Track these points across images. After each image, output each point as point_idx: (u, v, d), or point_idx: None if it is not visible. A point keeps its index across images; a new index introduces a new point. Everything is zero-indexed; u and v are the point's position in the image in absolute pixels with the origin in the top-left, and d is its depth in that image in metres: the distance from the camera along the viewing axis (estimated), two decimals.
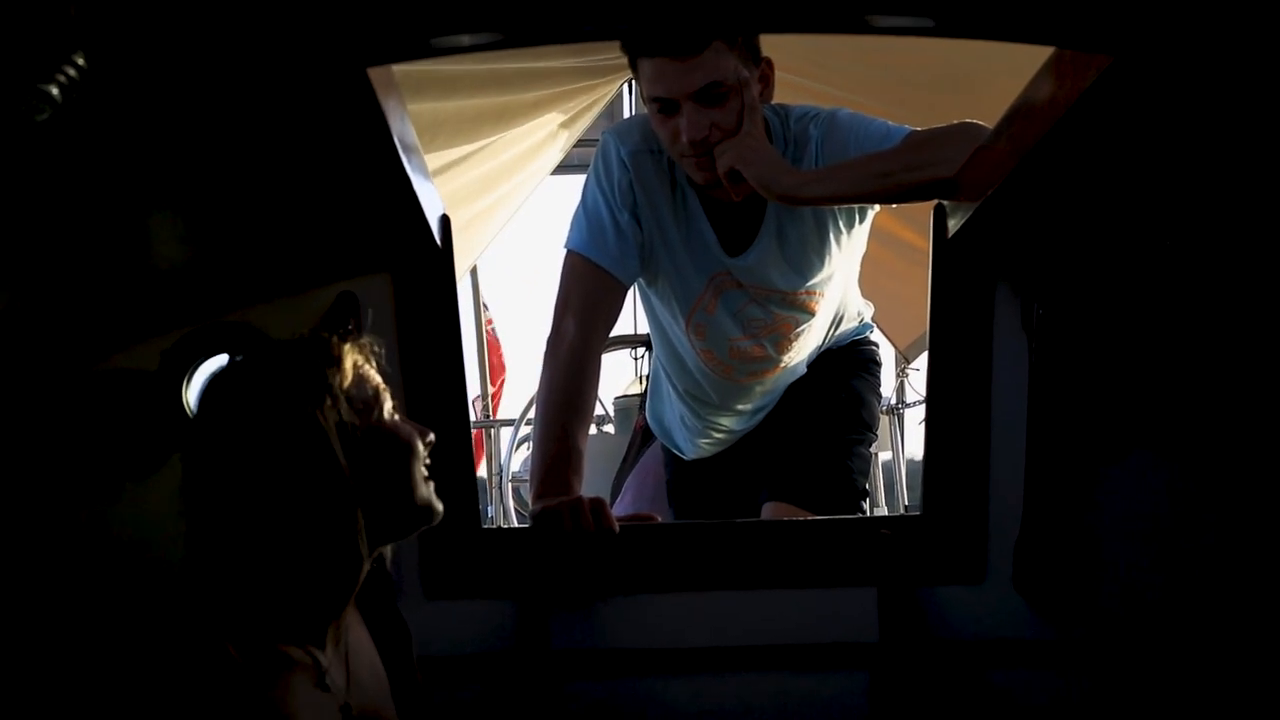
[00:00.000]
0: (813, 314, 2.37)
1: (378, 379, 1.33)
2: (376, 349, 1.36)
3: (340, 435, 1.23)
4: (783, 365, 2.47)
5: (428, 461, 1.35)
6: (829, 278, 2.31)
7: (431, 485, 1.35)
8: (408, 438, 1.32)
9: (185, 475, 1.24)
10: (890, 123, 2.06)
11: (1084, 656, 1.83)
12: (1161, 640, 1.76)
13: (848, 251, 2.31)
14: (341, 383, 1.27)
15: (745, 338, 2.37)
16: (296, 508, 1.21)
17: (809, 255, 2.24)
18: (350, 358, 1.30)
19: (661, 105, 1.99)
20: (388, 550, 1.37)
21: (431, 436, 1.36)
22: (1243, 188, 1.42)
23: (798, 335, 2.40)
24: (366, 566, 1.29)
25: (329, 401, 1.24)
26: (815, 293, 2.32)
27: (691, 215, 2.20)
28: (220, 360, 1.30)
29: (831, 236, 2.23)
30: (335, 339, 1.31)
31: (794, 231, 2.20)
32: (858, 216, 2.23)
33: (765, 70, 2.07)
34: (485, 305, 7.45)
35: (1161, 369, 1.70)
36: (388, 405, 1.33)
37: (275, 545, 1.21)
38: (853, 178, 1.92)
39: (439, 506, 1.35)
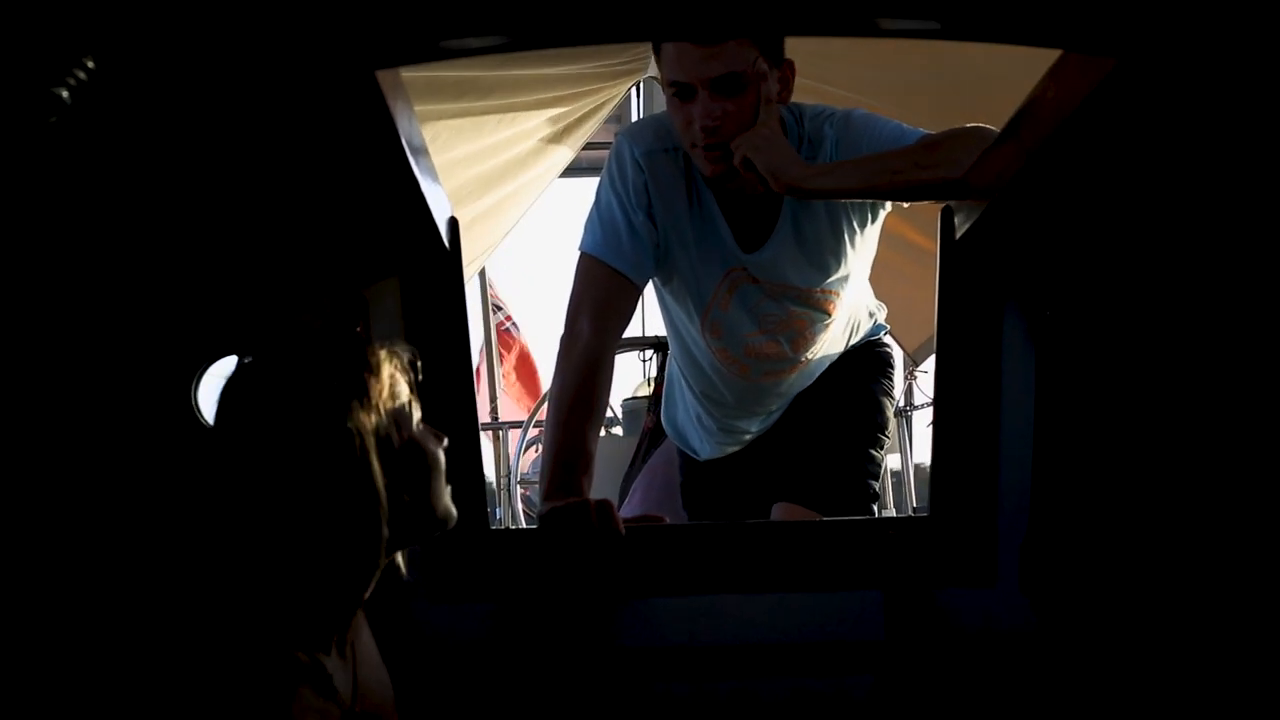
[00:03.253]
0: (829, 314, 2.37)
1: (408, 390, 1.32)
2: (411, 358, 1.35)
3: (378, 450, 1.23)
4: (800, 365, 2.48)
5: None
6: (844, 278, 2.31)
7: (449, 491, 1.35)
8: (434, 450, 1.32)
9: (200, 480, 1.24)
10: (905, 125, 2.07)
11: (1091, 659, 1.83)
12: (1169, 643, 1.76)
13: (861, 251, 2.31)
14: (380, 393, 1.26)
15: (760, 333, 2.37)
16: (326, 522, 1.20)
17: (824, 252, 2.25)
18: (387, 367, 1.29)
19: (679, 90, 2.00)
20: (399, 554, 1.37)
21: (446, 441, 1.36)
22: (1247, 189, 1.42)
23: (814, 334, 2.41)
24: (379, 574, 1.29)
25: (368, 413, 1.23)
26: (831, 292, 2.33)
27: (707, 212, 2.20)
28: (232, 362, 1.29)
29: (845, 235, 2.23)
30: (374, 346, 1.29)
31: (809, 228, 2.20)
32: (870, 215, 2.24)
33: (786, 72, 2.09)
34: (498, 307, 7.47)
35: (1168, 372, 1.70)
36: (417, 415, 1.32)
37: (295, 556, 1.21)
38: (862, 173, 1.92)
39: (455, 513, 1.35)
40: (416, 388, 1.35)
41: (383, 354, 1.29)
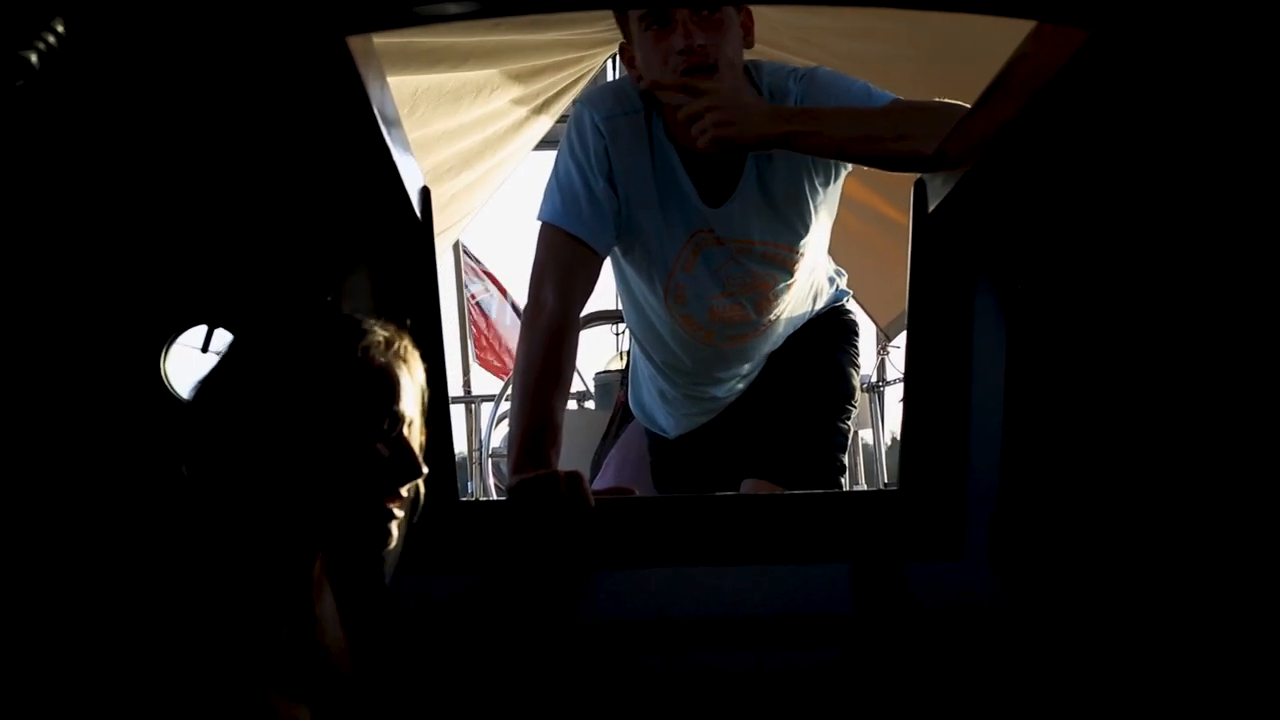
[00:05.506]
0: (791, 274, 2.37)
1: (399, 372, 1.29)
2: (401, 340, 1.32)
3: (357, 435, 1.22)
4: (763, 329, 2.48)
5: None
6: (807, 234, 2.31)
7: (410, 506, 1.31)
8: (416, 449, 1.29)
9: (170, 449, 1.23)
10: (872, 86, 2.08)
11: (1059, 631, 1.84)
12: (1140, 616, 1.77)
13: (823, 210, 2.31)
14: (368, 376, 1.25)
15: (724, 296, 2.37)
16: (296, 501, 1.20)
17: (787, 206, 2.25)
18: (375, 341, 1.27)
19: (656, 20, 2.01)
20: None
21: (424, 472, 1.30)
22: (1221, 161, 1.43)
23: (776, 295, 2.41)
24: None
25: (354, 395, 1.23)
26: (794, 251, 2.33)
27: (670, 171, 2.20)
28: (200, 332, 1.28)
29: (808, 191, 2.23)
30: (369, 324, 1.28)
31: (773, 182, 2.20)
32: (833, 173, 2.24)
33: (746, 20, 2.11)
34: (469, 280, 7.46)
35: (1139, 347, 1.71)
36: (413, 413, 1.30)
37: (255, 539, 1.21)
38: (837, 128, 1.93)
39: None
40: (420, 411, 1.32)
41: (376, 332, 1.28)
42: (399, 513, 1.26)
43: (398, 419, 1.26)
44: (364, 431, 1.23)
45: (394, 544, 1.27)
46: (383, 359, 1.26)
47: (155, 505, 1.25)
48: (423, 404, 1.32)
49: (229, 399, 1.22)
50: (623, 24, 2.13)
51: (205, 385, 1.25)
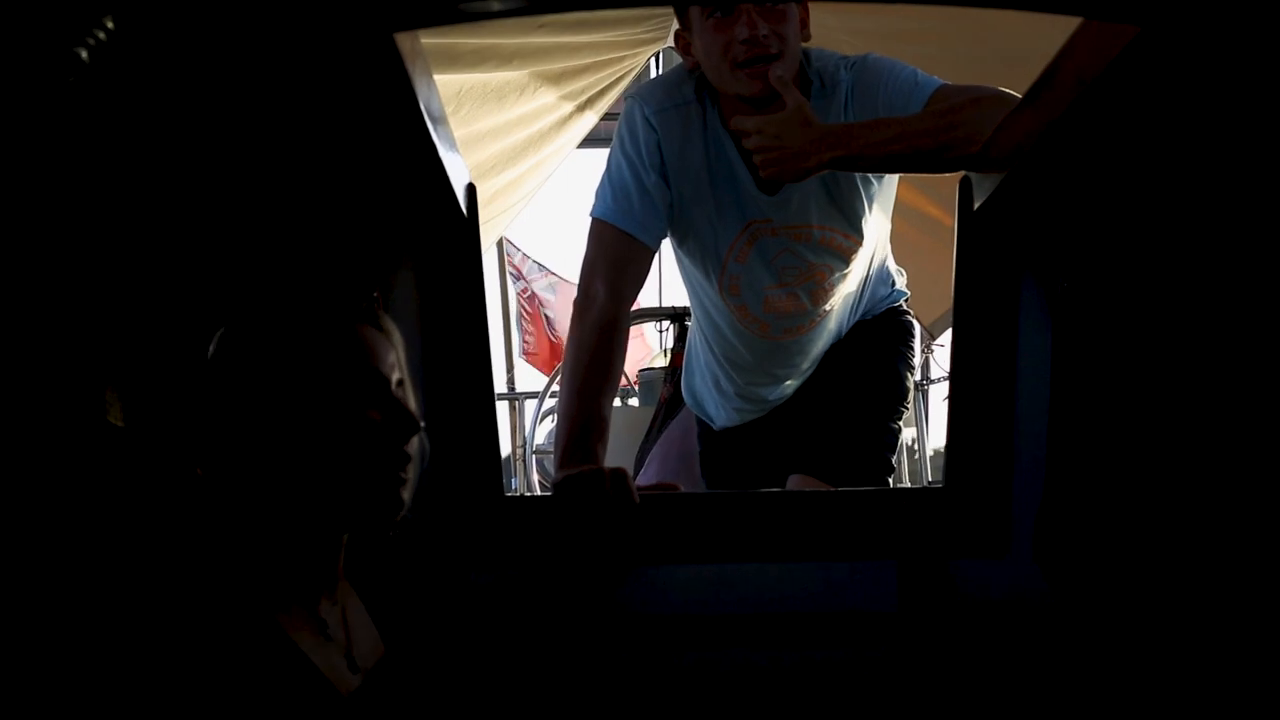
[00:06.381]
0: (847, 262, 2.37)
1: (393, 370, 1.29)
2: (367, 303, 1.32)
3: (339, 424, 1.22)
4: (819, 319, 2.47)
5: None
6: (864, 221, 2.31)
7: (411, 483, 1.29)
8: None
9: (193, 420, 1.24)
10: (920, 72, 2.09)
11: (1104, 630, 1.83)
12: (1181, 615, 1.76)
13: (880, 197, 2.32)
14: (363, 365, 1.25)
15: (779, 287, 2.37)
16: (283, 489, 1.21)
17: (845, 191, 2.25)
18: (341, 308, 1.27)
19: (720, 7, 2.02)
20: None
21: (419, 431, 1.29)
22: (1271, 160, 1.41)
23: (832, 285, 2.41)
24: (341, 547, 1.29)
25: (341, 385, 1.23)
26: (851, 237, 2.33)
27: (725, 160, 2.20)
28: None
29: (859, 179, 2.24)
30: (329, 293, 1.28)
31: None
32: None
33: (803, 14, 2.13)
34: (517, 275, 7.51)
35: (1185, 344, 1.70)
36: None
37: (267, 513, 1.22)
38: (881, 140, 1.92)
39: (406, 500, 1.29)
40: (411, 359, 1.33)
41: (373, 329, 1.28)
42: (407, 475, 1.26)
43: (383, 380, 1.26)
44: (350, 398, 1.22)
45: (405, 510, 1.26)
46: (350, 324, 1.26)
47: (169, 499, 1.27)
48: (402, 362, 1.31)
49: (222, 391, 1.23)
50: (680, 11, 2.14)
51: (199, 380, 1.26)
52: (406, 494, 1.27)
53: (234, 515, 1.22)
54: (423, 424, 1.27)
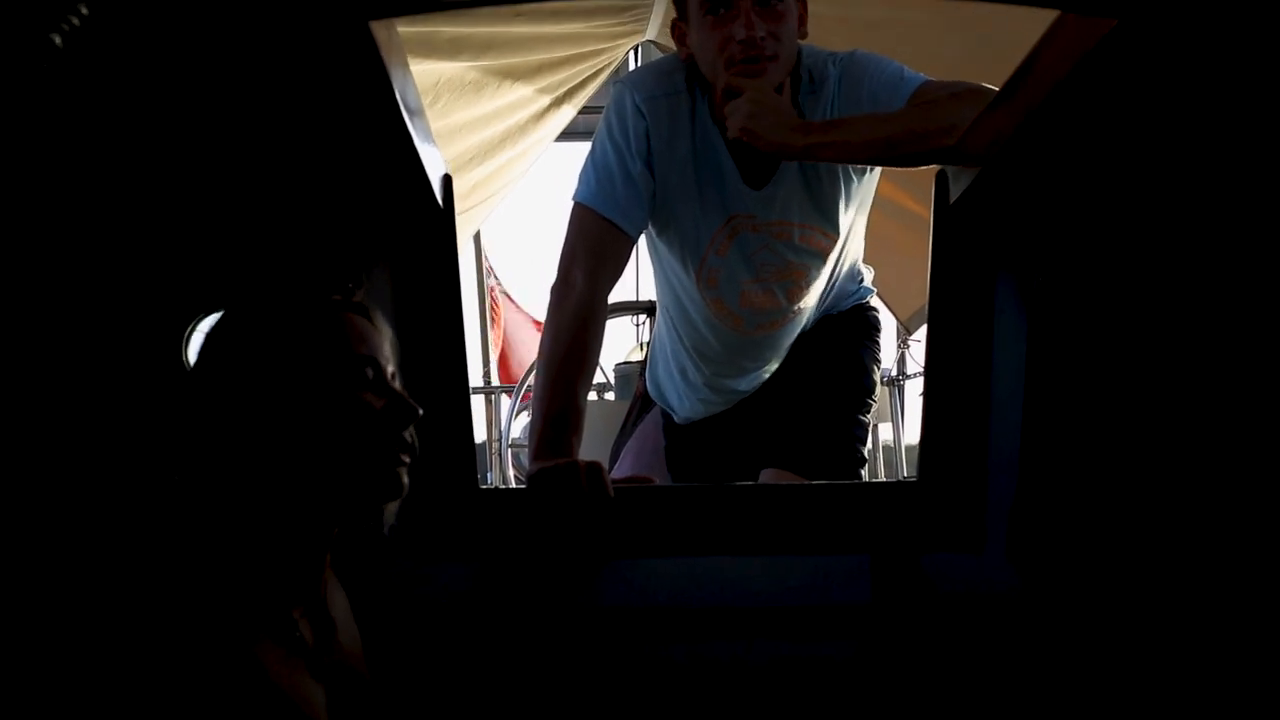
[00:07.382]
0: (825, 261, 2.38)
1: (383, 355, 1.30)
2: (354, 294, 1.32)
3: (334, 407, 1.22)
4: (792, 316, 2.48)
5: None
6: (844, 219, 2.32)
7: (407, 465, 1.30)
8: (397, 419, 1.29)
9: (175, 429, 1.23)
10: (906, 68, 2.09)
11: (1076, 624, 1.84)
12: (1158, 610, 1.77)
13: (860, 195, 2.32)
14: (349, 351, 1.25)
15: (756, 282, 2.37)
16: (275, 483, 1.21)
17: (828, 188, 2.25)
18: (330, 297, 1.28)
19: (720, 3, 2.02)
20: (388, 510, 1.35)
21: (419, 412, 1.30)
22: (1247, 155, 1.42)
23: (809, 283, 2.41)
24: (335, 534, 1.29)
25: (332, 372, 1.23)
26: (830, 235, 2.33)
27: (711, 152, 2.20)
28: (218, 315, 1.28)
29: (841, 180, 2.24)
30: (348, 305, 1.29)
31: (814, 167, 2.21)
32: None
33: (801, 10, 2.13)
34: (490, 269, 7.47)
35: (1160, 340, 1.70)
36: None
37: (254, 510, 1.21)
38: (858, 136, 1.93)
39: (405, 483, 1.30)
40: (397, 352, 1.33)
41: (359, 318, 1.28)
42: (407, 458, 1.27)
43: (379, 366, 1.27)
44: (349, 386, 1.23)
45: (405, 492, 1.27)
46: (341, 313, 1.27)
47: (162, 492, 1.26)
48: (395, 353, 1.33)
49: (215, 385, 1.23)
50: (679, 2, 2.14)
51: (193, 376, 1.26)
52: (406, 479, 1.27)
53: (218, 519, 1.21)
54: (421, 411, 1.28)
